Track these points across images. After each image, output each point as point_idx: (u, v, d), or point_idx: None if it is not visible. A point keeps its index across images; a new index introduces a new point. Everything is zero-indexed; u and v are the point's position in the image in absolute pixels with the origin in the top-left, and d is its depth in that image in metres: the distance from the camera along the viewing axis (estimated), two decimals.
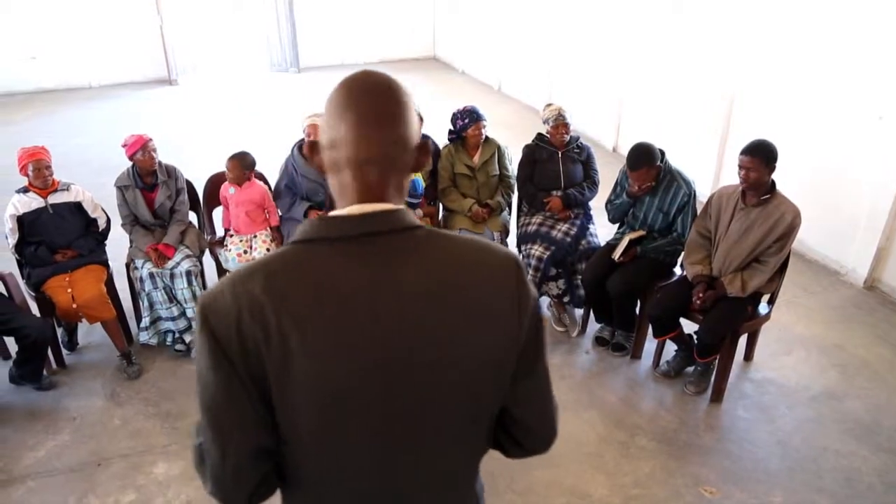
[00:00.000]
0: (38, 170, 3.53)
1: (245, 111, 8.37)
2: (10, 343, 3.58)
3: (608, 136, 6.91)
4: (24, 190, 3.60)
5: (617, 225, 3.83)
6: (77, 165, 6.11)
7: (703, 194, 3.83)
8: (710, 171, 5.35)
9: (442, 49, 11.05)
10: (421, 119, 4.01)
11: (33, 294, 3.58)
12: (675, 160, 3.60)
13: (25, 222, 3.57)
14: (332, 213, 1.02)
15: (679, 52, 5.83)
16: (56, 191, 3.64)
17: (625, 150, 6.33)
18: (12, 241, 3.58)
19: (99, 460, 3.06)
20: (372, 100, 1.01)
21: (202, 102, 8.84)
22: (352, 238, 0.99)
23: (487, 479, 2.81)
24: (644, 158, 3.41)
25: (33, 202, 3.58)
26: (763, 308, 3.44)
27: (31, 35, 8.89)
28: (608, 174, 4.20)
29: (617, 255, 3.51)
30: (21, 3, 8.70)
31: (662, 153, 3.50)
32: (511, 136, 5.18)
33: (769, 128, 4.84)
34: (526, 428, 1.17)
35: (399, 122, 1.02)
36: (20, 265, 3.67)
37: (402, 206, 1.04)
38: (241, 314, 0.95)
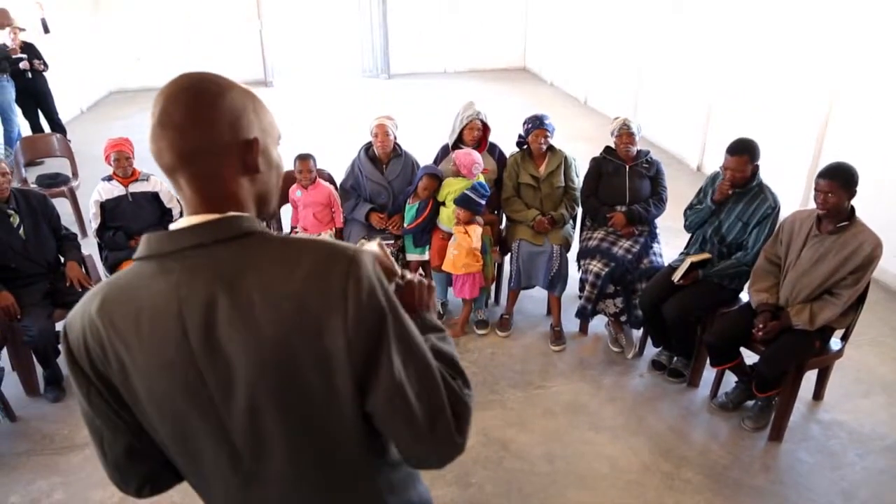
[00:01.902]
0: (118, 160, 3.78)
1: (334, 114, 8.63)
2: None
3: (693, 155, 6.64)
4: (109, 178, 3.86)
5: (686, 241, 3.65)
6: None
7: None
8: (798, 196, 5.02)
9: (532, 60, 10.99)
10: (487, 127, 3.98)
11: (109, 275, 3.82)
12: (766, 180, 3.38)
13: (107, 208, 3.82)
14: (170, 226, 1.01)
15: (770, 70, 5.52)
16: (137, 180, 3.87)
17: (709, 170, 6.07)
18: (95, 224, 3.84)
19: None
20: (167, 103, 0.97)
21: (295, 104, 9.18)
22: (172, 254, 0.97)
23: (518, 497, 2.78)
24: (747, 147, 3.22)
25: (115, 190, 3.83)
26: (835, 344, 3.18)
27: (142, 38, 9.58)
28: (690, 194, 3.97)
29: (676, 277, 3.34)
30: (137, 7, 9.37)
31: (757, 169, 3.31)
32: (591, 149, 5.04)
33: (865, 152, 4.51)
34: (395, 443, 1.08)
35: (197, 123, 0.97)
36: (100, 248, 3.92)
37: (230, 215, 0.99)
38: (85, 333, 1.01)
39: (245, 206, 1.03)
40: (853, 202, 2.93)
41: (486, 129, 4.02)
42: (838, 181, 2.83)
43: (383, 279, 1.01)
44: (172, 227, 1.00)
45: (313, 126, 8.04)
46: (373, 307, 0.97)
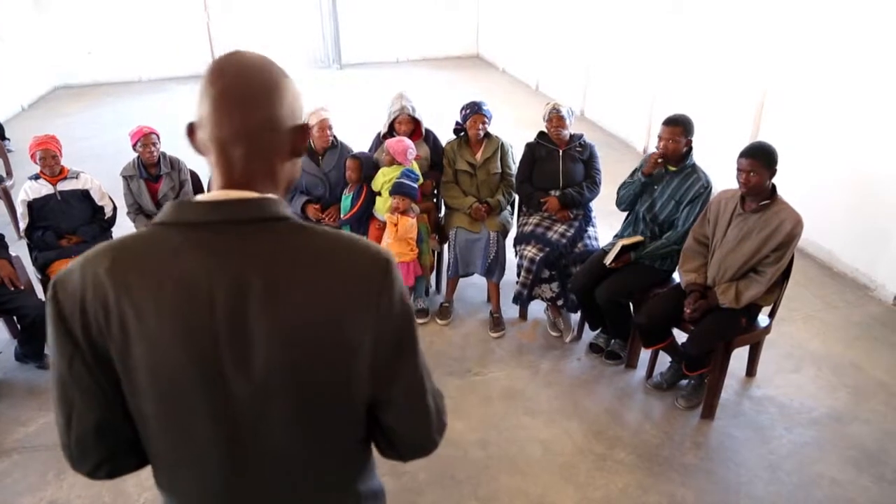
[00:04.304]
0: (44, 158, 3.68)
1: None
2: None
3: (639, 138, 6.72)
4: (36, 177, 3.76)
5: (620, 224, 3.68)
6: (115, 155, 6.32)
7: None
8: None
9: (485, 48, 10.98)
10: (418, 120, 3.96)
11: (39, 276, 3.73)
12: (703, 164, 3.41)
13: (35, 207, 3.72)
14: (196, 197, 1.00)
15: (710, 58, 5.62)
16: (66, 178, 3.78)
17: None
18: (23, 224, 3.75)
19: None
20: (236, 76, 0.98)
21: None
22: (205, 224, 0.96)
23: (451, 483, 2.79)
24: (681, 120, 3.27)
25: (43, 188, 3.73)
26: (763, 321, 3.24)
27: (87, 31, 9.31)
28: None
29: (608, 260, 3.37)
30: (79, 1, 9.11)
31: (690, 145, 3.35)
32: None
33: (800, 132, 4.63)
34: (394, 434, 1.12)
35: (265, 101, 0.99)
36: (30, 248, 3.82)
37: (268, 196, 0.99)
38: (86, 293, 0.96)
39: (279, 188, 1.04)
40: (775, 180, 2.98)
41: (417, 123, 3.99)
42: (759, 160, 2.88)
43: None
44: (204, 197, 0.98)
45: None
46: (403, 308, 1.03)
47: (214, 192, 0.99)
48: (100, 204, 3.88)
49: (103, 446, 1.05)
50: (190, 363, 0.97)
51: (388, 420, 1.10)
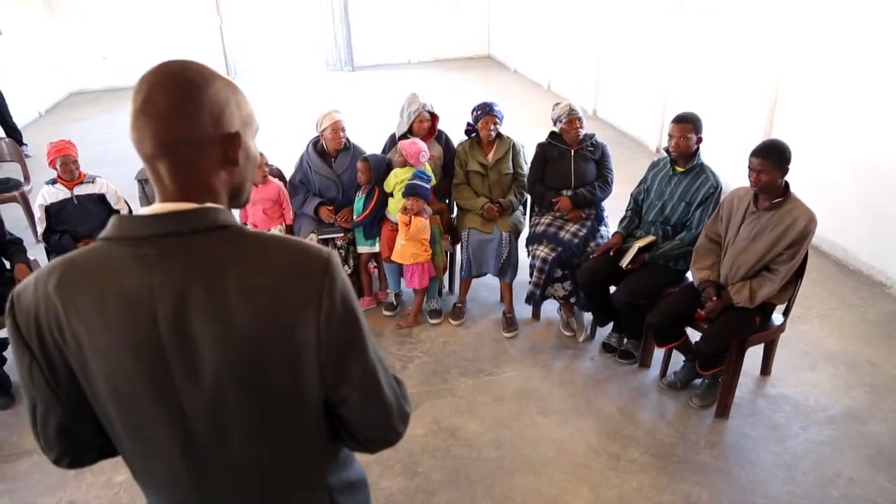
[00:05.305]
0: (65, 164, 3.74)
1: (298, 109, 8.55)
2: None
3: (652, 136, 6.69)
4: (53, 182, 3.82)
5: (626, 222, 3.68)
6: (130, 159, 6.39)
7: None
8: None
9: (496, 48, 10.98)
10: (435, 116, 3.97)
11: None
12: (718, 161, 3.40)
13: (52, 212, 3.78)
14: (139, 211, 1.02)
15: (722, 55, 5.59)
16: (82, 183, 3.83)
17: None
18: (40, 229, 3.81)
19: None
20: (150, 92, 0.97)
21: (258, 101, 9.06)
22: (146, 238, 0.97)
23: (465, 483, 2.80)
24: (691, 118, 3.27)
25: (60, 193, 3.79)
26: (778, 319, 3.22)
27: (101, 37, 9.43)
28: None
29: (625, 262, 3.36)
30: (92, 7, 9.24)
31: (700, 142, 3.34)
32: None
33: (815, 128, 4.59)
34: (356, 429, 1.14)
35: (179, 116, 0.97)
36: (48, 252, 3.88)
37: (207, 206, 0.99)
38: (39, 309, 0.99)
39: (220, 197, 1.04)
40: (789, 177, 2.95)
41: (434, 117, 4.01)
42: (770, 160, 2.86)
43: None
44: (145, 211, 0.99)
45: (277, 122, 7.97)
46: (346, 306, 1.02)
47: (154, 206, 1.00)
48: (116, 208, 3.93)
49: (65, 444, 1.11)
50: (141, 375, 0.99)
51: (348, 417, 1.11)
